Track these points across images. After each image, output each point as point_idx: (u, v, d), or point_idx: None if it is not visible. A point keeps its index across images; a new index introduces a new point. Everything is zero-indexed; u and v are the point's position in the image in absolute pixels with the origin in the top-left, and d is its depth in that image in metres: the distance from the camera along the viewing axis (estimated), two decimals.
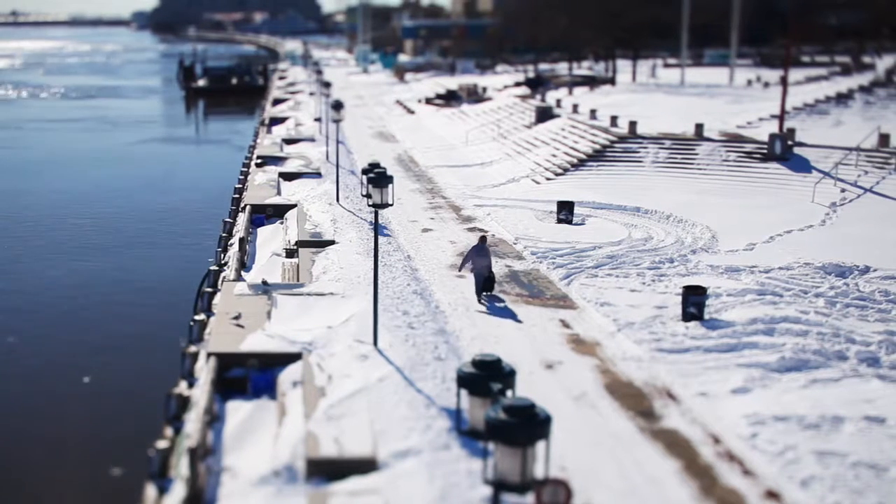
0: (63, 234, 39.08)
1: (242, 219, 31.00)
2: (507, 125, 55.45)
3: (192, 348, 18.39)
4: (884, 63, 74.14)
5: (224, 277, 24.04)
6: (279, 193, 35.59)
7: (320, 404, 15.36)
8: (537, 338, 20.31)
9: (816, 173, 37.27)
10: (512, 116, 58.11)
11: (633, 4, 77.39)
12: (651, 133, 45.11)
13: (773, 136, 40.71)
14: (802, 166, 38.68)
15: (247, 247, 27.56)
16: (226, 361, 17.44)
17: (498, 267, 26.16)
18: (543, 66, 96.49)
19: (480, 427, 8.72)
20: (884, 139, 39.59)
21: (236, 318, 19.82)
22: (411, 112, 71.37)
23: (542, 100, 61.40)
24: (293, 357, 17.64)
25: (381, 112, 73.32)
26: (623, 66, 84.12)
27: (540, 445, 8.03)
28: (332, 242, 27.09)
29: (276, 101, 77.28)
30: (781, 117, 42.65)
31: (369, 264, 22.97)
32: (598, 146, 44.24)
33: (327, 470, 13.39)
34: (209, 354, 17.60)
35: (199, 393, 16.02)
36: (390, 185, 17.91)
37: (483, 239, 23.23)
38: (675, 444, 15.09)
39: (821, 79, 66.53)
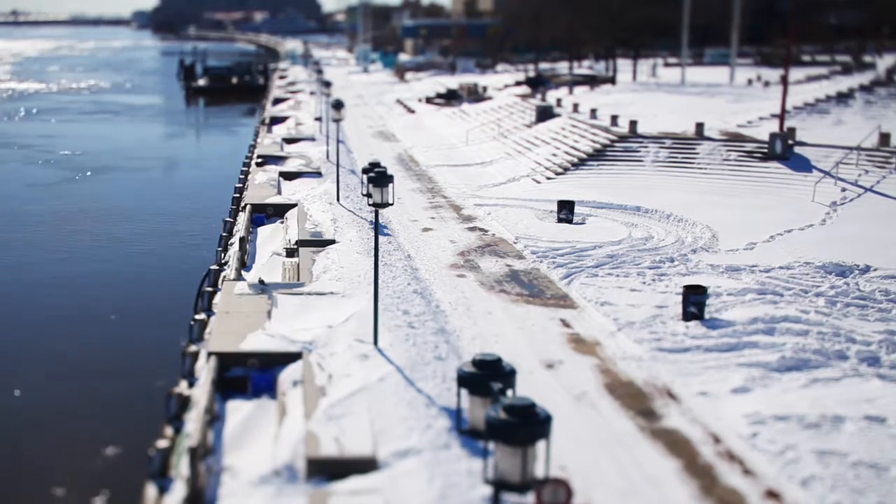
0: (62, 231, 39.07)
1: (243, 218, 31.01)
2: (507, 124, 55.43)
3: (193, 348, 18.39)
4: (884, 62, 74.19)
5: (224, 277, 24.05)
6: (279, 193, 35.60)
7: (320, 404, 15.36)
8: (537, 337, 20.30)
9: (817, 172, 37.26)
10: (512, 116, 58.09)
11: (633, 4, 77.47)
12: (651, 132, 45.10)
13: (773, 136, 40.70)
14: (803, 165, 38.67)
15: (247, 246, 27.56)
16: (226, 361, 17.44)
17: (498, 266, 26.18)
18: (544, 66, 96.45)
19: (481, 427, 8.74)
20: (884, 138, 39.58)
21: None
22: (412, 111, 71.36)
23: (543, 99, 61.38)
24: (293, 356, 17.65)
25: (381, 111, 73.30)
26: (623, 65, 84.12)
27: (540, 445, 8.04)
28: (332, 242, 27.09)
29: (277, 101, 77.28)
30: (782, 116, 42.64)
31: (369, 263, 22.98)
32: (598, 145, 44.22)
33: (327, 469, 13.40)
34: (209, 354, 17.60)
35: (200, 392, 16.02)
36: (391, 185, 17.90)
37: None
38: (676, 444, 15.10)
39: (821, 78, 66.51)
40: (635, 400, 16.84)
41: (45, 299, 30.16)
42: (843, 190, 35.13)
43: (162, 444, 14.25)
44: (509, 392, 9.02)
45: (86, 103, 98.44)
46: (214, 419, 15.56)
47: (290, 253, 27.10)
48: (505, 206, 34.70)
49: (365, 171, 21.33)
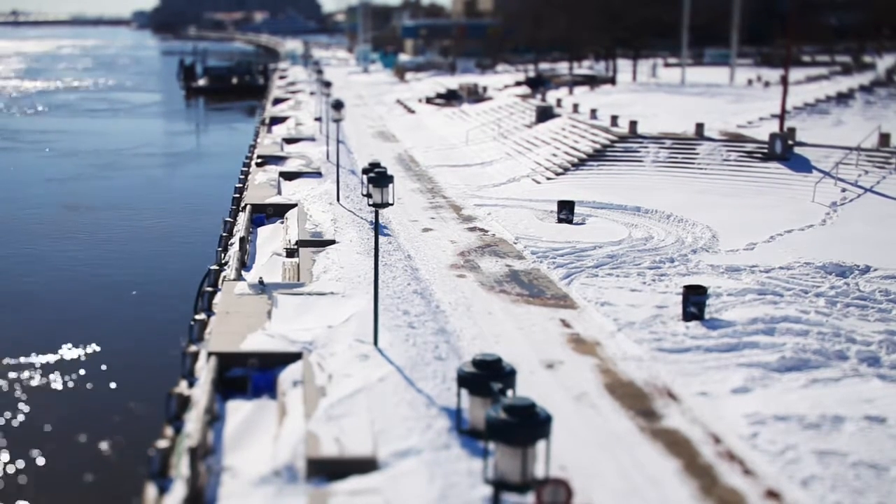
0: (63, 230, 39.07)
1: (243, 218, 31.00)
2: (507, 125, 55.43)
3: (193, 348, 18.39)
4: (884, 63, 74.18)
5: (224, 277, 24.04)
6: (279, 193, 35.59)
7: (321, 404, 15.36)
8: (537, 337, 20.30)
9: (817, 173, 37.27)
10: (512, 116, 58.09)
11: (633, 4, 77.40)
12: (651, 133, 45.10)
13: (773, 136, 40.70)
14: (803, 166, 38.68)
15: (247, 246, 27.55)
16: (226, 361, 17.44)
17: (498, 267, 26.19)
18: (544, 66, 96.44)
19: (481, 427, 8.73)
20: (884, 139, 39.58)
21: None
22: (412, 111, 71.36)
23: (543, 99, 61.38)
24: (293, 357, 17.64)
25: (381, 111, 73.30)
26: (623, 65, 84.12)
27: (540, 445, 8.03)
28: (332, 242, 27.08)
29: (277, 101, 77.27)
30: (782, 117, 42.63)
31: (370, 264, 22.97)
32: (598, 146, 44.22)
33: (328, 470, 13.39)
34: (209, 354, 17.60)
35: (200, 392, 16.02)
36: (391, 185, 17.90)
37: None
38: (676, 444, 15.09)
39: (821, 78, 66.52)
40: (635, 400, 16.84)
41: (42, 295, 30.15)
42: (843, 190, 35.13)
43: (162, 444, 14.24)
44: (509, 392, 9.02)
45: (89, 101, 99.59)
46: (214, 419, 15.55)
47: (290, 253, 27.08)
48: (505, 206, 34.70)
49: (365, 171, 21.32)
